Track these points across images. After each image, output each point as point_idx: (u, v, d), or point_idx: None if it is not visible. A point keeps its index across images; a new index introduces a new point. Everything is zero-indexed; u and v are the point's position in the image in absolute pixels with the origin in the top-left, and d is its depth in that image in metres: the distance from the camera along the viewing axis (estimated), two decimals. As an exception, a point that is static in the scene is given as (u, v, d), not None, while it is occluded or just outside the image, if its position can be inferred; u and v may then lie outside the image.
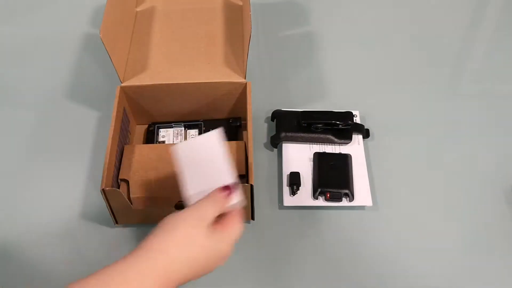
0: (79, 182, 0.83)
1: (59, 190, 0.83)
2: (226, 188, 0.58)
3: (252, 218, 0.77)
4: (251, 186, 0.69)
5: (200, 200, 0.57)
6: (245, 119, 0.79)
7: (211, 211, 0.56)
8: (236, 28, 0.91)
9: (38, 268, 0.74)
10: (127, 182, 0.76)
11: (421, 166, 0.85)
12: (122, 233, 0.78)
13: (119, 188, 0.73)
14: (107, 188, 0.69)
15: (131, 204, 0.73)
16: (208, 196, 0.57)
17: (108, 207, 0.72)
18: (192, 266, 0.53)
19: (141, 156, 0.78)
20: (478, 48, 1.06)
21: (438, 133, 0.89)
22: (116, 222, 0.76)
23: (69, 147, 0.88)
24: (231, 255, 0.57)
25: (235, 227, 0.57)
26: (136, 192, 0.74)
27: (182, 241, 0.53)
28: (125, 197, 0.71)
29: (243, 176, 0.76)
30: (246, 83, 0.81)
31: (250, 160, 0.72)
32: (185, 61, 0.85)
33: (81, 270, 0.73)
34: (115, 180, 0.75)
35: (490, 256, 0.75)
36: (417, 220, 0.78)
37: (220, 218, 0.57)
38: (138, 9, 0.95)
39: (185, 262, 0.53)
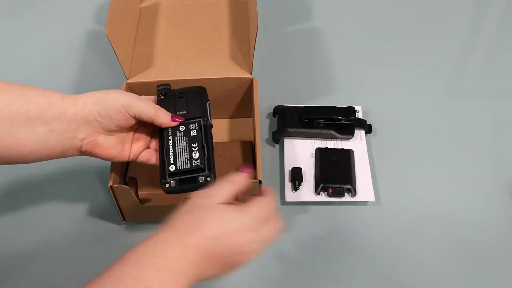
0: (86, 179, 0.83)
1: (66, 187, 0.83)
2: (244, 168, 0.58)
3: None
4: (260, 181, 0.69)
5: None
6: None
7: (226, 190, 0.55)
8: (241, 23, 0.90)
9: (46, 266, 0.74)
10: (134, 179, 0.76)
11: (423, 161, 0.85)
12: (129, 230, 0.78)
13: (126, 185, 0.74)
14: (115, 185, 0.69)
15: (139, 201, 0.74)
16: (224, 178, 0.57)
17: (116, 204, 0.72)
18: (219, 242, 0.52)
19: None
20: (481, 46, 1.06)
21: (440, 128, 0.89)
22: (124, 219, 0.76)
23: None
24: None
25: (259, 203, 0.55)
26: (144, 189, 0.75)
27: (212, 219, 0.52)
28: (133, 194, 0.71)
29: None
30: (252, 78, 0.81)
31: (258, 155, 0.71)
32: (190, 57, 0.85)
33: (89, 267, 0.74)
34: (122, 177, 0.76)
35: (493, 252, 0.75)
36: (419, 215, 0.78)
37: None
38: (142, 5, 0.95)
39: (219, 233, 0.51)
